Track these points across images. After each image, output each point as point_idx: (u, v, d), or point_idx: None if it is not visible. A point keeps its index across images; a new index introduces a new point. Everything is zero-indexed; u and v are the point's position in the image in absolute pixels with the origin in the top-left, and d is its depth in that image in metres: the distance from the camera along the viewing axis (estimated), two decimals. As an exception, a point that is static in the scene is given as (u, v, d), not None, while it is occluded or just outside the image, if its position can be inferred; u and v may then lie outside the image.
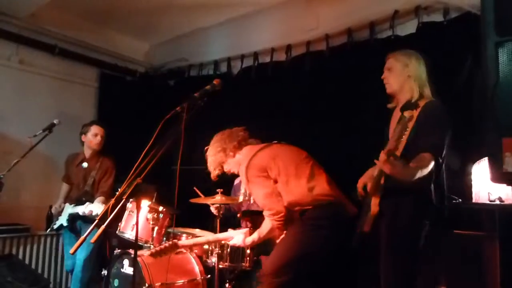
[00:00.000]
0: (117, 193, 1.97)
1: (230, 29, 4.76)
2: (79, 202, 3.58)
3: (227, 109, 4.09)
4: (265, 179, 2.51)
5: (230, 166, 2.72)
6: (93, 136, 3.83)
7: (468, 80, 3.06)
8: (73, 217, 3.63)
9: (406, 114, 2.01)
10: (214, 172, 2.74)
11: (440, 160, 2.21)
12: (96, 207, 3.32)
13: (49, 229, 3.75)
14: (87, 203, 3.41)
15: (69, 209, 3.66)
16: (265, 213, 2.52)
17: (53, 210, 3.79)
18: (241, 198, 3.26)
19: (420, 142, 2.13)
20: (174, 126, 2.08)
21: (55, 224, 3.72)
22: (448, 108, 2.26)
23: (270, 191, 2.49)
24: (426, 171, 2.10)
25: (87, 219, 3.49)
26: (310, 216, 2.43)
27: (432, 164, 2.11)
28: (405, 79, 2.36)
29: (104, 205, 3.36)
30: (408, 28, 3.51)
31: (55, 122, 3.62)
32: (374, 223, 2.24)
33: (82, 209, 3.38)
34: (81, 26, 4.89)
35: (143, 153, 2.00)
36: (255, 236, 2.70)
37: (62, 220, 3.67)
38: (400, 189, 2.13)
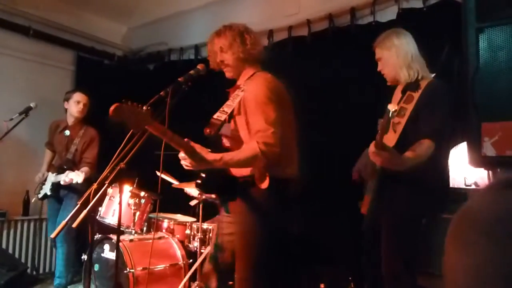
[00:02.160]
0: (100, 177, 1.95)
1: (211, 13, 4.70)
2: (61, 170, 3.56)
3: (208, 95, 4.06)
4: (280, 108, 2.07)
5: (231, 65, 2.23)
6: (75, 103, 3.77)
7: (446, 65, 3.11)
8: (56, 186, 3.60)
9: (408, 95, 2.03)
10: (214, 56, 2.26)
11: (442, 145, 2.14)
12: (75, 176, 3.29)
13: (34, 199, 3.80)
14: (67, 171, 3.38)
15: (51, 177, 3.64)
16: (258, 136, 1.97)
17: (36, 179, 3.79)
18: None
19: (420, 126, 2.09)
20: (157, 111, 2.05)
21: (39, 193, 3.73)
22: (450, 88, 2.20)
23: (279, 121, 2.02)
24: (423, 158, 2.06)
25: (70, 187, 3.51)
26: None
27: (431, 150, 2.06)
28: (395, 62, 2.28)
29: (83, 173, 3.32)
30: (389, 14, 3.54)
31: (31, 105, 3.54)
32: (371, 206, 2.25)
33: (63, 178, 3.37)
34: (56, 8, 4.76)
35: (126, 138, 1.98)
36: (217, 156, 1.98)
37: (46, 189, 3.68)
38: (396, 175, 2.10)
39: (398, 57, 2.28)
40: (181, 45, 5.00)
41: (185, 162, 2.05)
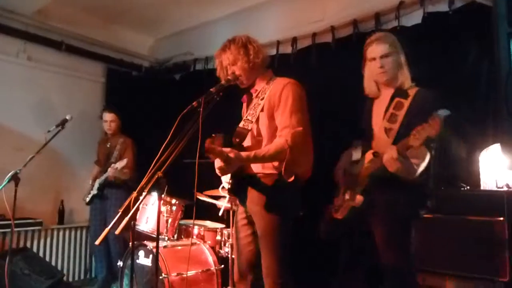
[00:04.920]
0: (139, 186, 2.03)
1: (235, 22, 4.78)
2: (106, 172, 4.05)
3: (234, 103, 4.13)
4: (305, 110, 2.26)
5: (242, 76, 2.33)
6: (104, 123, 4.35)
7: (474, 69, 3.09)
8: (102, 185, 4.15)
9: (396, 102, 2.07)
10: (224, 70, 2.39)
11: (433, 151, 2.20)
12: (118, 163, 3.85)
13: (86, 202, 4.26)
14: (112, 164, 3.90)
15: (98, 181, 4.16)
16: (285, 132, 2.16)
17: (86, 190, 4.30)
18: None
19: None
20: (191, 121, 2.11)
21: (87, 197, 4.20)
22: (438, 96, 2.22)
23: (305, 120, 2.22)
24: (424, 165, 2.13)
25: (113, 184, 4.11)
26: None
27: (428, 156, 2.12)
28: (398, 65, 2.29)
29: (125, 160, 3.84)
30: (414, 18, 3.52)
31: (67, 117, 3.66)
32: (351, 212, 2.27)
33: (108, 172, 3.96)
34: (86, 22, 4.92)
35: (162, 147, 2.05)
36: (259, 152, 2.17)
37: (93, 191, 4.19)
38: (393, 181, 2.14)
39: (401, 63, 2.30)
40: (206, 54, 5.08)
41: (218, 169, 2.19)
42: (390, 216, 2.21)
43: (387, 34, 2.39)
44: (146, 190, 2.00)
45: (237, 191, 2.32)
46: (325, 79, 3.97)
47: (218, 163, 2.16)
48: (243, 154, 2.13)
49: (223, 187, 2.70)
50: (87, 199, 4.22)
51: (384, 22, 3.72)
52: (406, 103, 2.19)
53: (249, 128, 2.29)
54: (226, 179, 2.39)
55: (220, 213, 3.36)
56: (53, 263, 4.41)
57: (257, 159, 2.16)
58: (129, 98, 5.16)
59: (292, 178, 2.17)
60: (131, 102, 5.12)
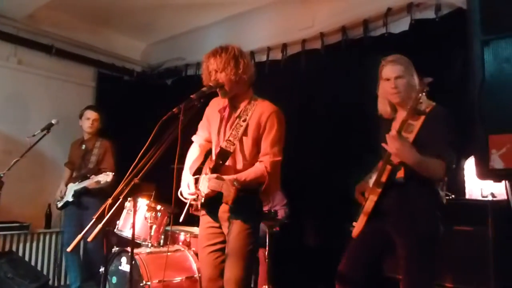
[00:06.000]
0: (114, 192, 2.01)
1: (227, 28, 4.79)
2: (83, 178, 3.84)
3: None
4: (284, 138, 2.37)
5: (225, 86, 2.28)
6: (86, 120, 4.08)
7: (460, 76, 3.09)
8: (79, 193, 3.87)
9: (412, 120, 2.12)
10: (209, 76, 2.32)
11: (453, 166, 2.20)
12: (104, 176, 3.56)
13: (59, 204, 4.03)
14: (92, 176, 3.68)
15: (74, 186, 3.91)
16: (266, 159, 2.26)
17: (57, 195, 4.05)
18: None
19: (431, 147, 2.12)
20: (171, 127, 2.10)
21: (59, 202, 3.99)
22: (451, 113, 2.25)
23: (282, 149, 2.34)
24: (434, 173, 2.12)
25: (94, 193, 3.78)
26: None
27: (443, 170, 2.12)
28: (411, 87, 2.28)
29: (111, 174, 3.54)
30: (401, 25, 3.54)
31: (53, 122, 3.66)
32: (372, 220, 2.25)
33: (89, 182, 3.70)
34: (77, 26, 4.92)
35: (140, 153, 2.03)
36: (241, 176, 2.24)
37: (67, 197, 3.94)
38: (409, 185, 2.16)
39: (413, 86, 2.29)
40: (197, 60, 5.06)
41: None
42: (414, 232, 2.17)
43: (402, 57, 2.39)
44: (121, 196, 2.00)
45: (211, 206, 2.31)
46: (314, 85, 3.98)
47: (204, 188, 2.19)
48: (226, 179, 2.13)
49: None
50: (59, 205, 4.01)
51: (372, 29, 3.73)
52: (422, 117, 2.20)
53: (231, 150, 2.31)
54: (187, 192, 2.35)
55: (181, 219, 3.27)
56: (39, 267, 4.39)
57: (239, 183, 2.15)
58: (120, 103, 5.14)
59: (265, 198, 2.40)
60: (122, 107, 5.11)
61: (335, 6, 3.98)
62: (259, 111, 2.32)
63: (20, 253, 4.25)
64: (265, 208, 3.50)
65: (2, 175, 3.17)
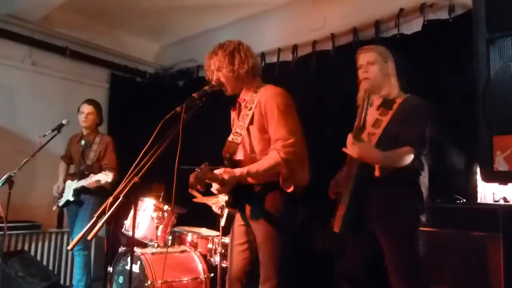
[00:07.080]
0: (115, 191, 2.01)
1: (238, 29, 4.78)
2: (82, 176, 3.71)
3: (221, 108, 4.13)
4: (296, 118, 2.24)
5: (226, 83, 2.29)
6: (80, 114, 3.96)
7: (473, 79, 3.01)
8: (78, 192, 3.73)
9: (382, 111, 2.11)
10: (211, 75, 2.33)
11: (423, 156, 2.18)
12: (103, 176, 3.40)
13: (54, 207, 3.92)
14: (91, 174, 3.54)
15: (73, 184, 3.76)
16: (277, 145, 2.13)
17: (54, 191, 3.94)
18: None
19: (400, 137, 2.12)
20: (174, 126, 2.10)
21: (60, 201, 3.86)
22: (428, 103, 2.24)
23: (298, 131, 2.20)
24: (402, 162, 2.06)
25: (93, 191, 3.66)
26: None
27: (409, 157, 2.07)
28: (385, 75, 2.30)
29: (112, 174, 3.41)
30: (414, 26, 3.48)
31: (63, 122, 3.69)
32: (349, 213, 2.22)
33: (88, 181, 3.53)
34: (91, 28, 4.99)
35: (142, 152, 2.03)
36: (252, 167, 2.15)
37: (67, 196, 3.79)
38: (385, 181, 2.10)
39: (389, 74, 2.31)
40: (209, 62, 5.10)
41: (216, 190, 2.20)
42: (394, 220, 2.16)
43: (378, 46, 2.42)
44: (122, 195, 2.00)
45: (235, 205, 2.29)
46: (325, 86, 3.94)
47: (214, 185, 2.17)
48: (237, 171, 2.12)
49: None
50: (60, 203, 3.86)
51: (384, 30, 3.68)
52: (390, 112, 2.19)
53: (238, 141, 2.26)
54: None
55: (223, 223, 3.25)
56: (50, 266, 4.43)
57: (251, 175, 2.14)
58: (132, 104, 5.19)
59: (292, 188, 2.14)
60: (134, 108, 5.15)
61: (346, 7, 3.94)
62: (261, 97, 2.25)
63: (32, 252, 4.29)
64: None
65: (13, 174, 3.21)
